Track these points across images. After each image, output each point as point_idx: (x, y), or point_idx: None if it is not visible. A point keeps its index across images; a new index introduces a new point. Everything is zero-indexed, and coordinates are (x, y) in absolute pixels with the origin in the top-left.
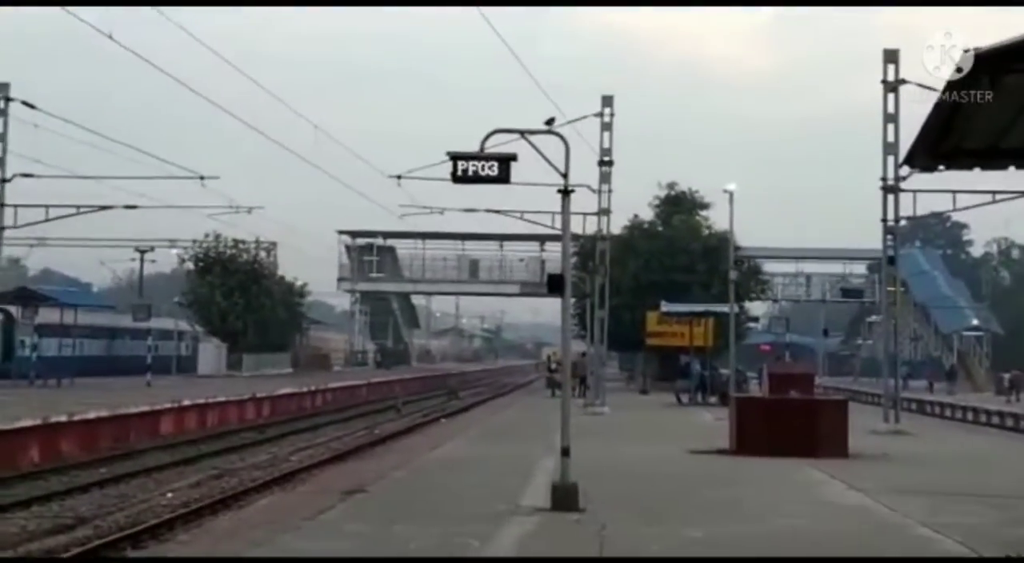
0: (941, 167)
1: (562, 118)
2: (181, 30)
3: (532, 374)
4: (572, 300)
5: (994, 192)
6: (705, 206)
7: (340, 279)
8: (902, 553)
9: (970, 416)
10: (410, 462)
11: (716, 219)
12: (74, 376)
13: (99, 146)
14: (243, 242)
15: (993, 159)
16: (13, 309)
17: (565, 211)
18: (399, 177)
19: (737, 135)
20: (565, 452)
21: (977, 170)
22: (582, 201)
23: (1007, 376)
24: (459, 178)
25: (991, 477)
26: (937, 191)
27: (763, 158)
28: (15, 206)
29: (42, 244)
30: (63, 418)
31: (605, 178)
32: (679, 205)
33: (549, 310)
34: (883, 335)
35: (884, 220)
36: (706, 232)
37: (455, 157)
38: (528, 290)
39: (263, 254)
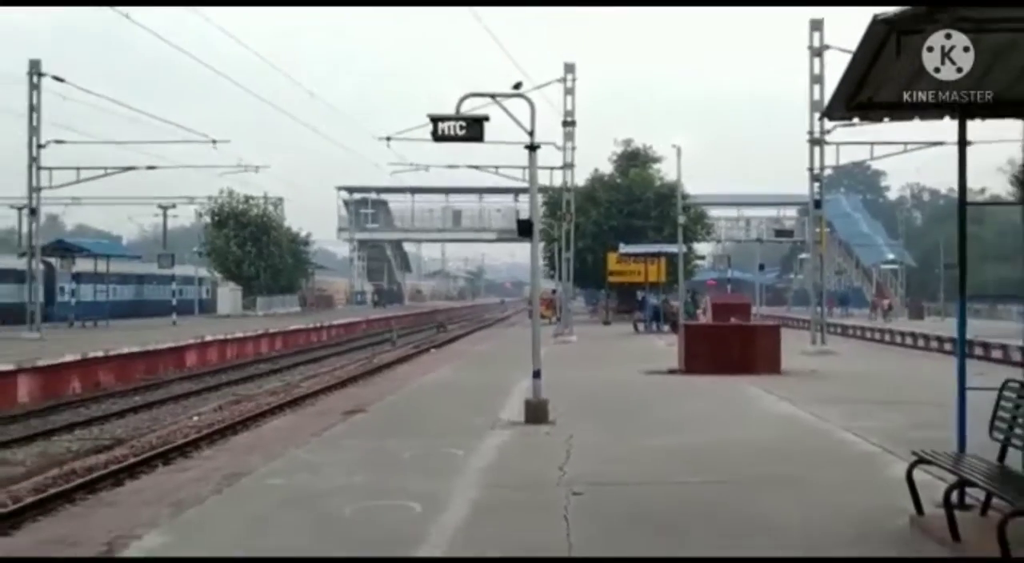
0: (856, 118)
1: (530, 84)
2: (197, 15)
3: (509, 309)
4: (542, 244)
5: (905, 143)
6: (657, 160)
7: (340, 229)
8: (827, 454)
9: (888, 337)
10: (403, 387)
11: (667, 171)
12: (108, 318)
13: (122, 114)
14: (253, 198)
15: (900, 110)
16: (53, 260)
17: (532, 165)
18: (388, 138)
19: (688, 99)
20: (537, 375)
21: (887, 121)
22: (550, 157)
23: (885, 302)
24: (439, 137)
25: (902, 388)
26: (857, 143)
27: (710, 118)
28: (50, 169)
29: (76, 203)
30: (100, 354)
31: (569, 136)
32: (634, 159)
33: (523, 253)
34: (811, 270)
35: (811, 169)
36: (658, 183)
37: (435, 119)
38: (504, 236)
39: (271, 208)
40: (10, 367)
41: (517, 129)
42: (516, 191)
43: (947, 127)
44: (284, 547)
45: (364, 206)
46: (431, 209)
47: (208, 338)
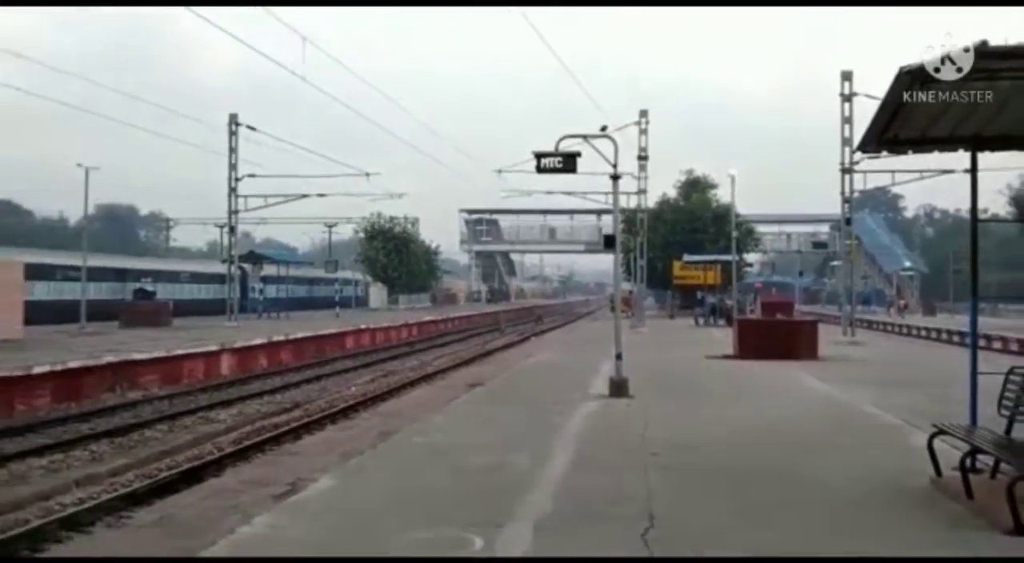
0: (884, 152)
1: (612, 126)
2: (356, 76)
3: (593, 305)
4: (621, 254)
5: (921, 171)
6: (714, 186)
7: (461, 242)
8: (858, 425)
9: (906, 330)
10: (511, 367)
11: (722, 195)
12: (287, 310)
13: (299, 155)
14: (396, 218)
15: (922, 145)
16: (246, 266)
17: (615, 192)
18: (500, 171)
19: (738, 133)
20: (619, 357)
21: (910, 153)
22: (627, 184)
23: (902, 302)
24: (541, 170)
25: (921, 372)
26: (880, 171)
27: (758, 149)
28: (245, 196)
29: (263, 222)
30: (281, 338)
31: (642, 168)
32: (696, 186)
33: (606, 261)
34: (843, 275)
35: (842, 193)
36: (715, 204)
37: (538, 155)
38: (590, 248)
39: (410, 226)
40: (216, 348)
41: (600, 162)
42: (599, 212)
43: (956, 157)
44: (427, 488)
45: (480, 224)
46: (532, 226)
47: (362, 326)
